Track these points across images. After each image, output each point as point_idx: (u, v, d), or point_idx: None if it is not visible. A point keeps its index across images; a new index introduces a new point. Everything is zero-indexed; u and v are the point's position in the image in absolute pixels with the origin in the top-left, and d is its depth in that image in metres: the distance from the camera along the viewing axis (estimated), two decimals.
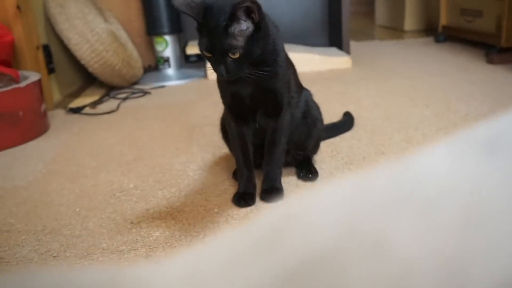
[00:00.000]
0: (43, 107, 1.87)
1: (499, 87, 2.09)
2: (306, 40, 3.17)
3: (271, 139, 1.16)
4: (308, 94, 1.29)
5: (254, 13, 0.96)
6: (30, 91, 1.77)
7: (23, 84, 1.74)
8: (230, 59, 0.98)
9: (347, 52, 3.07)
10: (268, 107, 1.13)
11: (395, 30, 4.39)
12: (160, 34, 2.68)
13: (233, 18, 0.95)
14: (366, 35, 4.38)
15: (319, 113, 1.30)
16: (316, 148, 1.35)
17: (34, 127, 1.81)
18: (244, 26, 0.97)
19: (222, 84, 1.13)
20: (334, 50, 2.96)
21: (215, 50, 0.98)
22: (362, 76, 2.51)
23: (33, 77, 1.85)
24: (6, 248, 1.03)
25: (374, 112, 1.84)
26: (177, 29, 2.72)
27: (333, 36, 3.22)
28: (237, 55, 0.97)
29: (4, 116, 1.66)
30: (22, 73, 1.93)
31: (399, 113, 1.80)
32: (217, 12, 0.96)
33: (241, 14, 0.95)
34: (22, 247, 1.03)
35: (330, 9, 3.14)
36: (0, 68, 1.71)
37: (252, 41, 0.98)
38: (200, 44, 1.00)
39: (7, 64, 1.84)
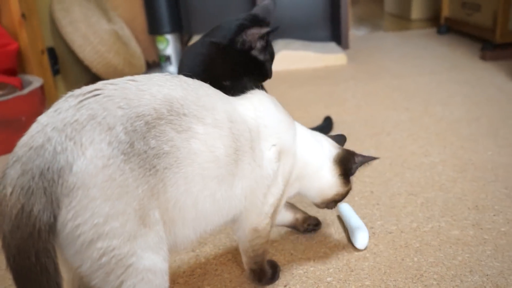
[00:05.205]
0: (45, 110, 2.01)
1: (483, 88, 2.14)
2: (308, 33, 3.22)
3: None
4: None
5: None
6: (32, 97, 1.91)
7: (25, 91, 1.88)
8: None
9: (346, 46, 3.13)
10: None
11: (402, 19, 4.38)
12: (160, 33, 2.79)
13: None
14: (372, 24, 4.39)
15: None
16: None
17: None
18: None
19: None
20: (331, 45, 3.02)
21: None
22: (354, 74, 2.58)
23: (36, 83, 1.99)
24: None
25: (354, 116, 1.92)
26: (177, 28, 2.83)
27: (334, 30, 3.27)
28: None
29: (8, 122, 1.81)
30: (26, 78, 2.07)
31: (377, 117, 1.89)
32: None
33: None
34: None
35: (332, 1, 3.18)
36: (2, 78, 1.85)
37: None
38: None
39: (12, 71, 1.99)
